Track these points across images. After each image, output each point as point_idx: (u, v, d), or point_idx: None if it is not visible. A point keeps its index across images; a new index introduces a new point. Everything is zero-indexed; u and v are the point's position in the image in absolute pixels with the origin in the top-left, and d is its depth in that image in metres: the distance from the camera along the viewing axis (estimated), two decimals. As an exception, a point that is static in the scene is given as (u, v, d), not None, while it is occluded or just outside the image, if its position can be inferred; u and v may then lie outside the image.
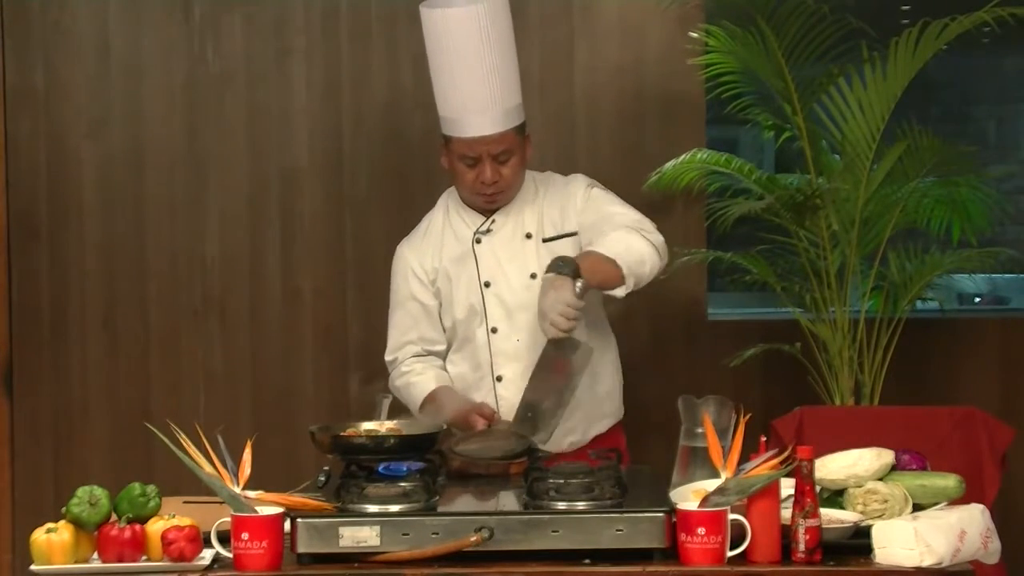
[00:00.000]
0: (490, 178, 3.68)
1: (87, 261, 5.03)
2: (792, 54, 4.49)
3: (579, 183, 3.81)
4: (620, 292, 3.52)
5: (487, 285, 3.74)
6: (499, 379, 3.72)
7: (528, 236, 3.75)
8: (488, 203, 3.75)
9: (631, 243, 3.54)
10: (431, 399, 3.71)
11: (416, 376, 3.80)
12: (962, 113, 7.69)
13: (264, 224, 5.03)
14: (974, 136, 7.47)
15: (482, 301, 3.73)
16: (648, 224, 3.67)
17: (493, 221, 3.76)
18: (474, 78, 3.67)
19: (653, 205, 4.89)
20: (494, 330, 3.72)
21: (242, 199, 5.03)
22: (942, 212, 4.74)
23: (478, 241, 3.76)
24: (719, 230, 4.65)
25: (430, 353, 3.83)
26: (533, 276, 3.70)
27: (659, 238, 3.63)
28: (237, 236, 5.03)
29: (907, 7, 5.74)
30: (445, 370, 3.81)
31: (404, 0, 4.98)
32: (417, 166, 4.98)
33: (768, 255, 4.75)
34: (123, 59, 5.02)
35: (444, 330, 3.81)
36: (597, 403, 3.79)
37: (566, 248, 3.68)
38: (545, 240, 3.74)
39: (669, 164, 4.76)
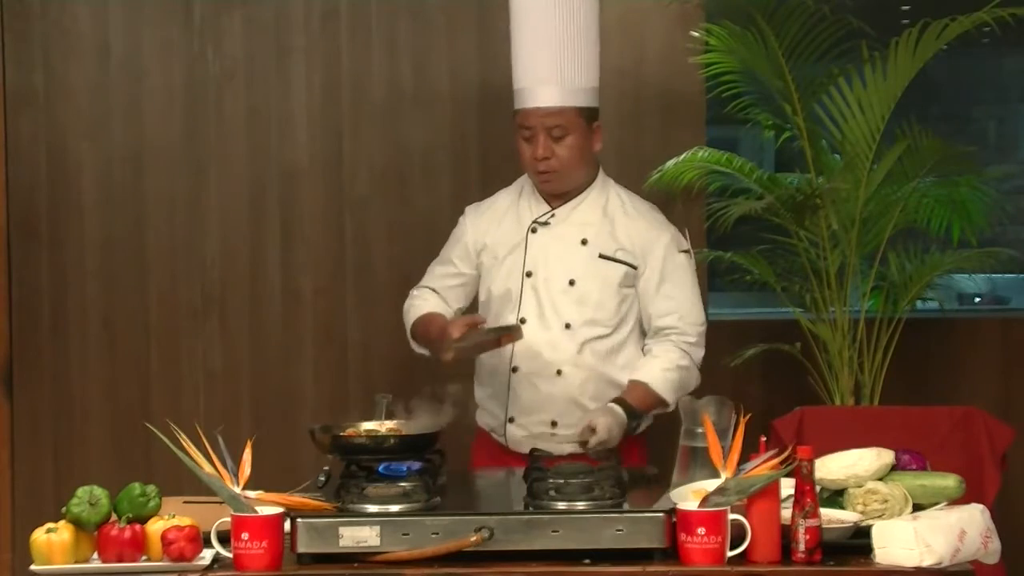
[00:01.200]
0: (541, 153, 3.65)
1: (87, 261, 5.03)
2: (792, 54, 4.49)
3: (665, 239, 3.74)
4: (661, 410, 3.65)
5: (528, 275, 3.73)
6: (514, 370, 3.72)
7: (584, 242, 3.72)
8: (543, 183, 3.72)
9: (679, 378, 3.63)
10: (423, 319, 3.74)
11: (420, 300, 3.82)
12: (962, 113, 7.70)
13: (264, 224, 5.03)
14: (974, 136, 7.48)
15: (520, 289, 3.73)
16: (699, 334, 3.70)
17: (553, 215, 3.75)
18: (541, 49, 3.67)
19: (653, 204, 4.90)
20: (523, 320, 3.71)
21: (242, 199, 5.03)
22: (942, 212, 4.74)
23: (534, 230, 3.75)
24: (719, 230, 4.65)
25: (437, 294, 3.84)
26: (572, 283, 3.70)
27: (700, 354, 3.71)
28: (237, 236, 5.02)
29: (907, 7, 5.74)
30: (443, 305, 3.81)
31: (404, 0, 4.99)
32: (417, 166, 4.98)
33: (768, 255, 4.75)
34: (123, 59, 5.02)
35: (479, 300, 3.82)
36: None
37: (618, 273, 3.69)
38: (602, 256, 3.71)
39: (669, 163, 4.76)
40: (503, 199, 3.86)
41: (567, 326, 3.69)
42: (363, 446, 3.14)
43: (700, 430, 3.11)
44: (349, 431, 3.25)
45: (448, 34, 4.95)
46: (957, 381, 4.97)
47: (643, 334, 3.76)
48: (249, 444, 2.94)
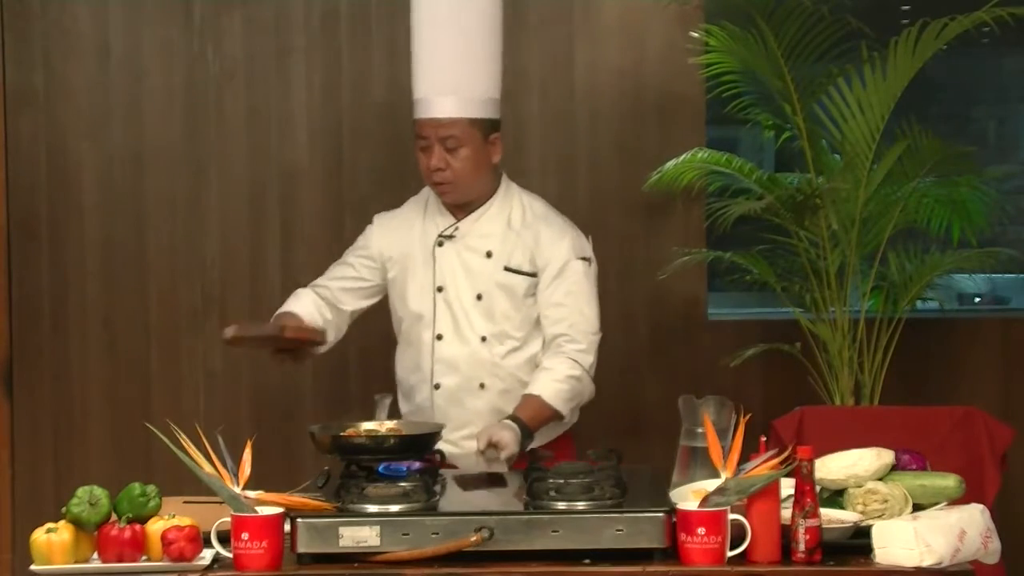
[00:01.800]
0: (434, 164, 3.65)
1: (87, 261, 5.03)
2: (792, 54, 4.49)
3: (566, 249, 3.71)
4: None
5: (440, 290, 3.72)
6: (437, 387, 3.71)
7: (488, 255, 3.72)
8: (440, 193, 3.71)
9: (571, 388, 3.60)
10: (279, 315, 3.75)
11: (293, 298, 3.81)
12: (962, 113, 7.69)
13: (264, 224, 5.03)
14: (974, 136, 7.47)
15: (433, 305, 3.72)
16: (591, 342, 3.67)
17: (457, 228, 3.73)
18: (438, 59, 3.67)
19: (653, 205, 4.91)
20: (439, 337, 3.71)
21: (242, 199, 5.03)
22: (942, 212, 4.74)
23: (440, 244, 3.74)
24: (719, 230, 4.65)
25: (327, 302, 3.80)
26: (479, 297, 3.70)
27: (590, 360, 3.67)
28: (237, 236, 5.02)
29: (907, 7, 5.74)
30: (320, 313, 3.77)
31: (404, 0, 4.99)
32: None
33: (768, 255, 4.75)
34: (123, 59, 5.02)
35: (393, 317, 3.81)
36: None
37: (522, 284, 3.69)
38: (508, 268, 3.71)
39: (669, 164, 4.76)
40: (411, 209, 3.85)
41: (483, 339, 3.69)
42: (363, 446, 3.15)
43: (700, 430, 3.11)
44: (349, 431, 3.25)
45: (448, 34, 4.95)
46: (957, 381, 4.97)
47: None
48: (249, 444, 2.94)
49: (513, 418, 3.49)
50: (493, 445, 3.37)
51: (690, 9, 4.83)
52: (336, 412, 4.78)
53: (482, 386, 3.70)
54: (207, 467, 2.88)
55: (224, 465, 2.89)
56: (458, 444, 3.65)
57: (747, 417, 2.96)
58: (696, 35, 4.69)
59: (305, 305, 3.77)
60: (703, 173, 4.79)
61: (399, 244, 3.79)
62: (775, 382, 4.85)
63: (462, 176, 3.68)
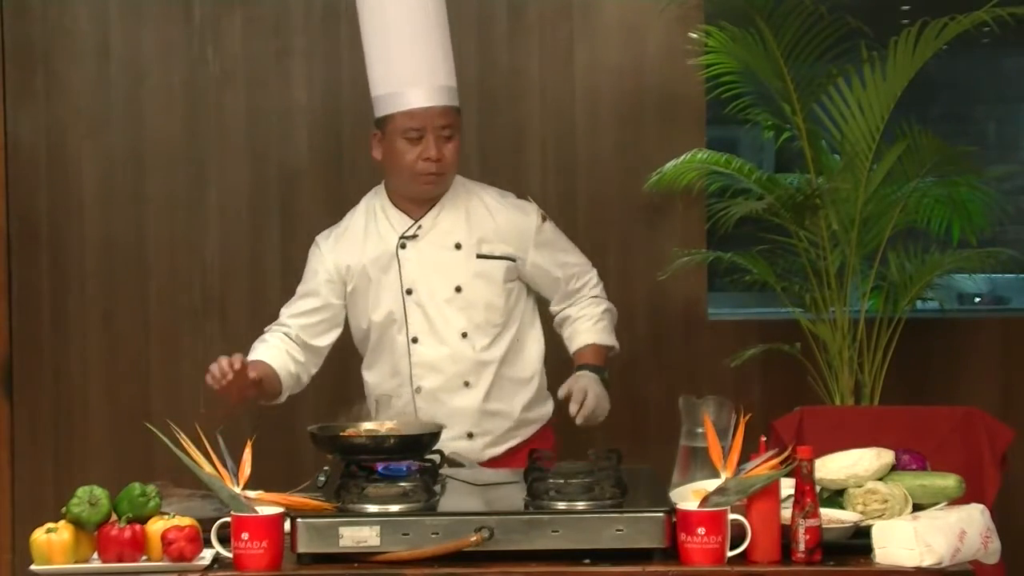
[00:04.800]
0: (434, 153, 3.61)
1: (87, 261, 5.03)
2: (791, 54, 4.50)
3: (533, 214, 3.76)
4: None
5: (409, 292, 3.68)
6: (418, 390, 3.69)
7: (458, 247, 3.69)
8: (428, 184, 3.65)
9: (609, 320, 3.84)
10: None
11: (261, 344, 3.72)
12: (962, 113, 7.70)
13: (264, 224, 5.03)
14: (974, 136, 7.47)
15: (403, 309, 3.68)
16: (596, 276, 3.88)
17: (419, 227, 3.69)
18: (420, 49, 3.64)
19: (653, 205, 4.91)
20: (415, 340, 3.68)
21: (242, 199, 5.03)
22: (942, 212, 4.74)
23: (403, 246, 3.69)
24: (719, 230, 4.65)
25: (296, 342, 3.76)
26: (459, 289, 3.67)
27: (602, 285, 3.90)
28: (237, 236, 5.03)
29: (907, 7, 5.74)
30: (288, 354, 3.72)
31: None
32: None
33: (768, 255, 4.75)
34: (123, 59, 5.02)
35: (355, 329, 3.77)
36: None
37: (499, 269, 3.69)
38: (480, 256, 3.69)
39: (669, 164, 4.76)
40: (355, 220, 3.79)
41: (463, 335, 3.67)
42: (363, 446, 3.14)
43: (700, 430, 3.11)
44: (349, 431, 3.25)
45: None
46: (957, 381, 4.97)
47: (536, 320, 3.81)
48: (249, 444, 2.94)
49: (582, 368, 3.65)
50: (578, 401, 3.51)
51: (690, 9, 4.83)
52: (336, 412, 4.78)
53: (467, 384, 3.68)
54: (207, 467, 2.88)
55: (224, 465, 2.89)
56: (446, 445, 3.63)
57: (747, 417, 2.96)
58: (696, 36, 4.69)
59: (273, 352, 3.69)
60: (703, 173, 4.79)
61: (352, 256, 3.73)
62: (775, 382, 4.85)
63: (451, 167, 3.67)
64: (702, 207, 4.93)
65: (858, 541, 2.84)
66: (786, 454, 2.83)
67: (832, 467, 3.00)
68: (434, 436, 3.22)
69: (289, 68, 5.01)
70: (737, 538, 2.78)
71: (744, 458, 2.86)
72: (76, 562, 2.85)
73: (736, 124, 5.03)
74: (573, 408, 3.53)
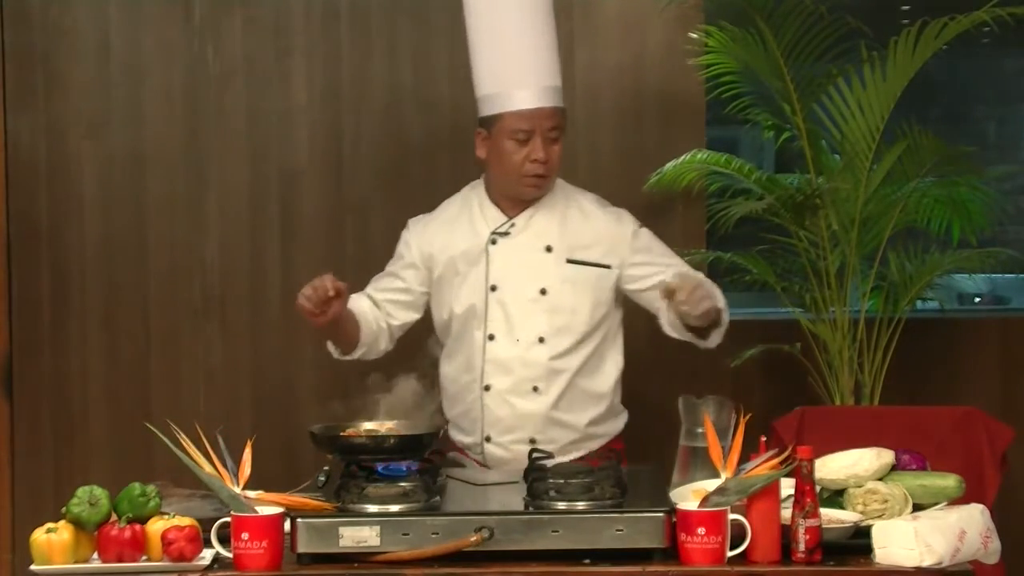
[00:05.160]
0: (543, 155, 3.57)
1: (87, 261, 5.03)
2: (791, 54, 4.50)
3: (628, 222, 3.75)
4: (707, 342, 3.63)
5: (493, 289, 3.65)
6: (487, 388, 3.65)
7: (548, 249, 3.65)
8: (532, 187, 3.63)
9: (704, 278, 3.60)
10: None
11: (354, 299, 3.71)
12: (962, 113, 7.69)
13: (264, 224, 5.03)
14: (974, 136, 7.47)
15: (485, 304, 3.65)
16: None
17: (513, 225, 3.67)
18: (530, 49, 3.60)
19: (653, 205, 4.90)
20: (491, 337, 3.64)
21: (242, 199, 5.03)
22: (942, 212, 4.74)
23: (493, 242, 3.67)
24: (720, 230, 4.65)
25: (375, 305, 3.76)
26: (543, 292, 3.63)
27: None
28: (237, 236, 5.02)
29: (907, 7, 5.74)
30: (372, 314, 3.73)
31: (404, 0, 4.99)
32: (417, 166, 4.98)
33: (768, 255, 4.75)
34: (123, 59, 5.02)
35: (437, 319, 3.75)
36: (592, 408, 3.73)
37: (589, 277, 3.64)
38: (570, 261, 3.65)
39: (669, 164, 4.76)
40: (450, 209, 3.78)
41: (540, 340, 3.63)
42: (363, 446, 3.14)
43: (700, 430, 3.11)
44: (349, 431, 3.25)
45: (448, 34, 4.95)
46: (957, 381, 4.97)
47: (620, 337, 3.76)
48: (249, 444, 2.94)
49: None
50: (672, 292, 3.33)
51: (689, 9, 4.83)
52: (336, 412, 4.79)
53: (535, 389, 3.62)
54: (207, 467, 2.88)
55: (224, 465, 2.89)
56: (508, 448, 3.62)
57: (747, 417, 2.96)
58: (695, 35, 4.69)
59: (363, 304, 3.72)
60: (703, 174, 4.79)
61: (441, 245, 3.72)
62: (775, 382, 4.85)
63: (556, 169, 3.65)
64: (702, 207, 4.93)
65: (858, 541, 2.84)
66: (786, 454, 2.83)
67: (832, 467, 3.01)
68: (434, 436, 3.23)
69: (289, 68, 5.01)
70: (737, 538, 2.78)
71: (744, 458, 2.86)
72: (76, 562, 2.86)
73: (736, 124, 5.02)
74: (682, 295, 3.33)
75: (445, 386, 3.74)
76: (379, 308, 3.76)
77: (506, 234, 3.66)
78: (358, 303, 3.71)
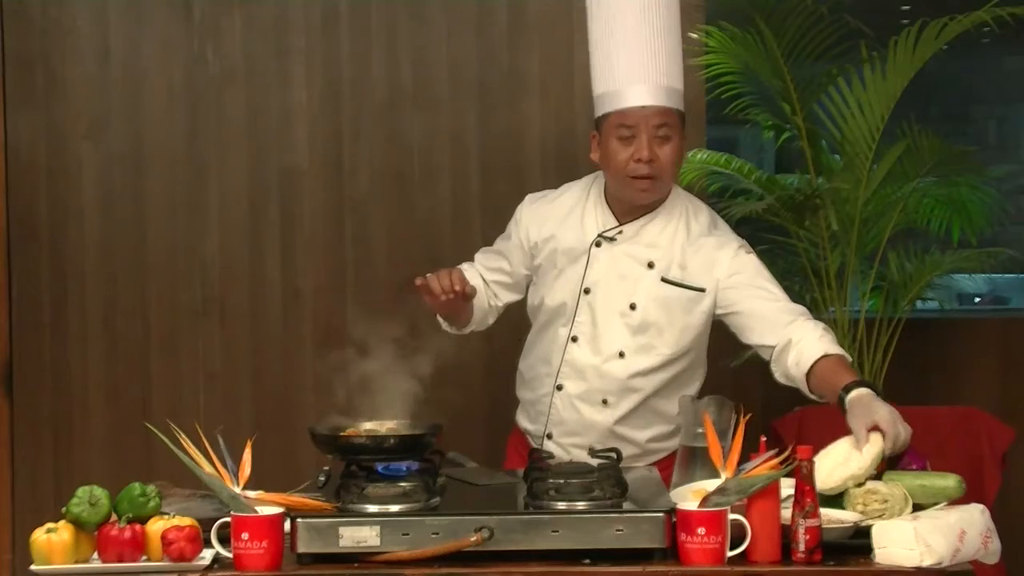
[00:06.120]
0: (647, 154, 3.42)
1: (87, 261, 5.03)
2: (791, 54, 4.50)
3: (731, 244, 3.53)
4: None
5: (587, 291, 3.54)
6: (559, 388, 3.58)
7: (650, 265, 3.51)
8: (641, 190, 3.48)
9: (833, 339, 3.38)
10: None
11: (469, 269, 3.68)
12: (962, 113, 7.70)
13: (264, 224, 5.03)
14: (974, 136, 7.48)
15: (576, 305, 3.55)
16: (805, 310, 3.47)
17: (620, 231, 3.54)
18: (640, 48, 3.49)
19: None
20: (575, 339, 3.55)
21: (242, 199, 5.03)
22: (942, 212, 4.75)
23: (598, 244, 3.55)
24: (719, 231, 4.64)
25: (484, 281, 3.72)
26: (633, 307, 3.50)
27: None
28: (237, 236, 5.03)
29: (907, 7, 5.75)
30: (485, 296, 3.69)
31: (404, 0, 4.99)
32: (417, 166, 4.98)
33: (768, 255, 4.74)
34: (123, 59, 5.02)
35: (529, 303, 3.69)
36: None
37: (681, 298, 3.49)
38: (665, 280, 3.51)
39: (669, 164, 4.76)
40: (568, 197, 3.65)
41: (621, 354, 3.53)
42: (363, 446, 3.14)
43: (700, 430, 3.10)
44: (349, 431, 3.25)
45: (448, 34, 4.95)
46: (957, 381, 4.97)
47: (704, 365, 3.61)
48: (249, 444, 2.94)
49: (851, 387, 3.17)
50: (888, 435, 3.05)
51: (690, 9, 4.82)
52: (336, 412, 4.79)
53: (605, 402, 3.54)
54: (207, 467, 2.88)
55: (224, 465, 2.89)
56: (567, 450, 3.55)
57: (747, 417, 2.96)
58: (696, 35, 4.69)
59: (478, 282, 3.67)
60: (703, 174, 4.79)
61: (550, 231, 3.61)
62: (775, 382, 4.84)
63: (666, 171, 3.47)
64: (702, 207, 4.92)
65: (858, 541, 2.83)
66: (786, 454, 2.83)
67: (825, 467, 2.97)
68: (434, 436, 3.22)
69: (289, 68, 5.01)
70: (737, 538, 2.78)
71: (744, 458, 2.86)
72: (76, 562, 2.85)
73: (736, 124, 5.03)
74: (888, 445, 3.05)
75: (522, 371, 3.70)
76: (488, 287, 3.72)
77: (612, 240, 3.55)
78: (473, 281, 3.63)
